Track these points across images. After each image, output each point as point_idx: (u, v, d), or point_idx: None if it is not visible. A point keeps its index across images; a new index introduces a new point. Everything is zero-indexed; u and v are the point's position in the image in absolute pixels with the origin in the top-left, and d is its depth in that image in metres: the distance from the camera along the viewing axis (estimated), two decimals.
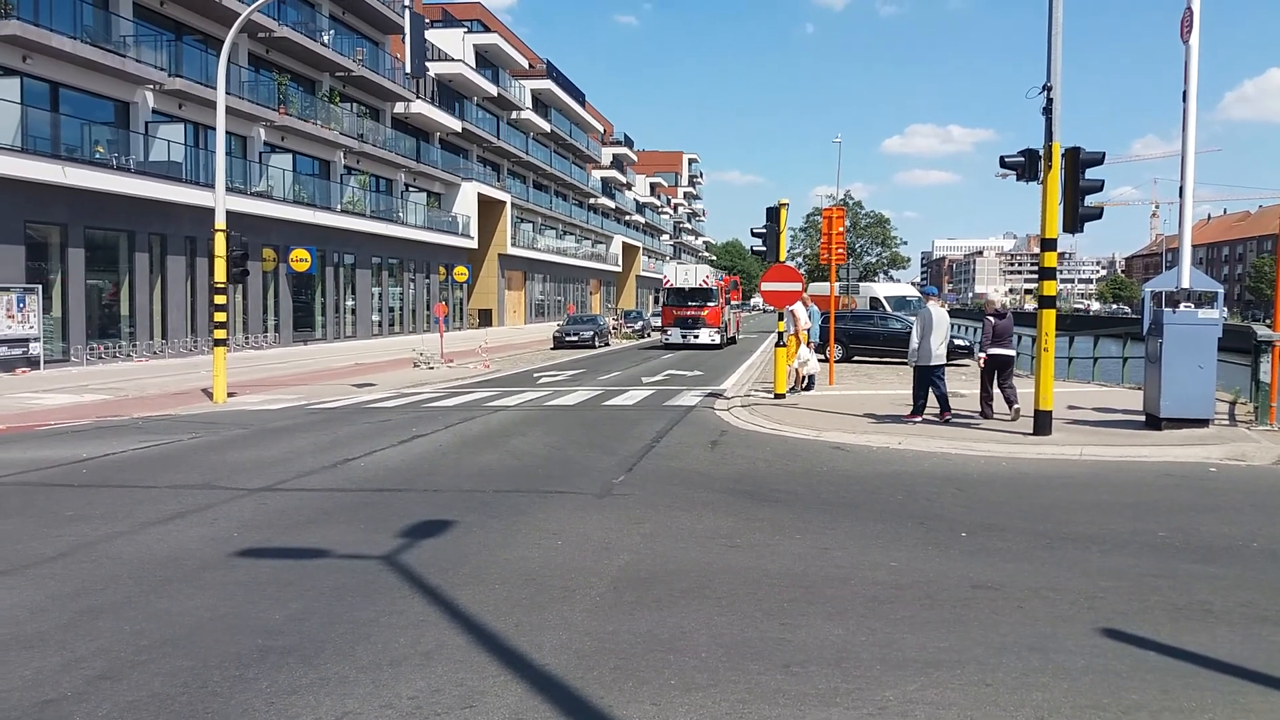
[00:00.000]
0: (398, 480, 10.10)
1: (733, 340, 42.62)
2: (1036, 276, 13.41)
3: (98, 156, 27.09)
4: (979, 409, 14.61)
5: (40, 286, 24.37)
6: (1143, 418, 13.56)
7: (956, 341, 28.81)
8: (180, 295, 30.54)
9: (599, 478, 10.16)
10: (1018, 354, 27.54)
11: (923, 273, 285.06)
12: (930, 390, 14.27)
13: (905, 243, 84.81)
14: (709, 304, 37.87)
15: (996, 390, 14.46)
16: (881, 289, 42.66)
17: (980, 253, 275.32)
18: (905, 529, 7.89)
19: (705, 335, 37.41)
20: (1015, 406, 14.01)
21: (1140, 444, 12.05)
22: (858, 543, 7.41)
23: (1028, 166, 13.16)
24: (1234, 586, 6.27)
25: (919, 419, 14.16)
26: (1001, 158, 13.39)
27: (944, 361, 14.31)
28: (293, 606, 5.86)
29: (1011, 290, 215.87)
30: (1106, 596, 6.07)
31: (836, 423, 14.16)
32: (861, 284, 45.54)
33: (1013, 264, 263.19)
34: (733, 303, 44.70)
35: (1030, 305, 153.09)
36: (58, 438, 13.69)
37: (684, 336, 37.45)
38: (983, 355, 14.50)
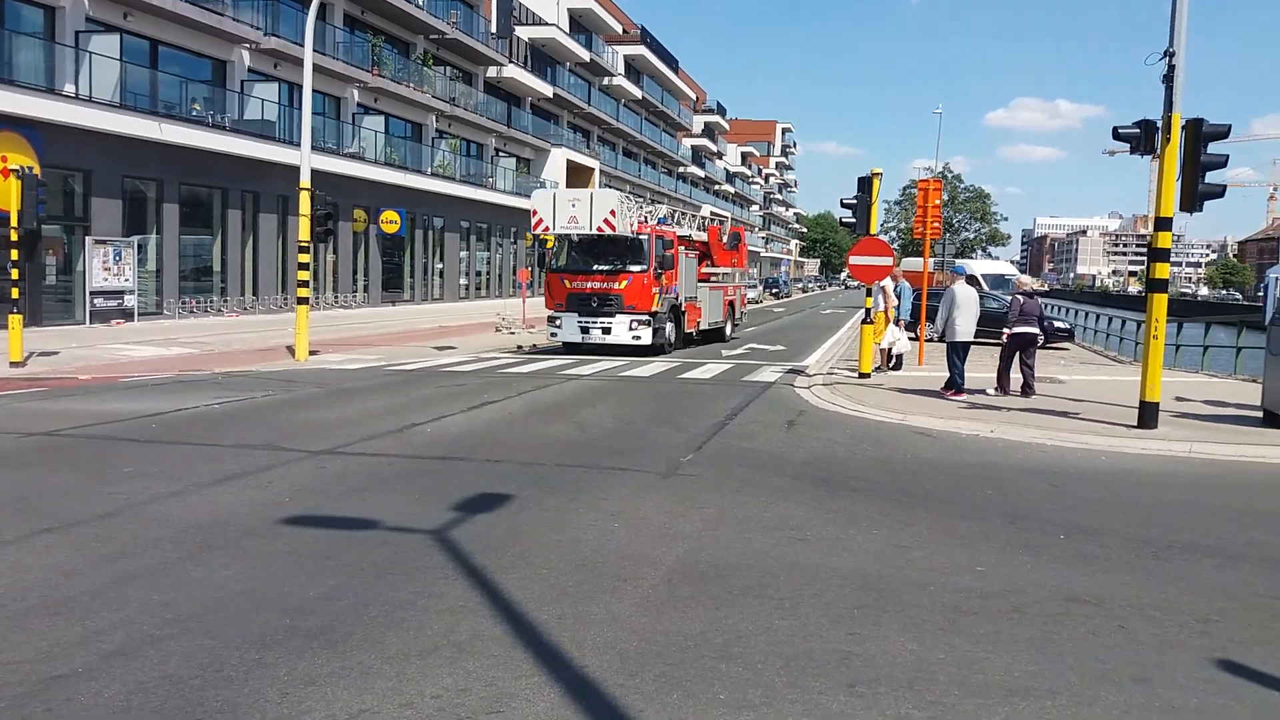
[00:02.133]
0: (460, 448, 9.81)
1: (718, 333, 26.03)
2: (1145, 258, 12.43)
3: (194, 114, 27.52)
4: (995, 385, 14.78)
5: (135, 240, 24.90)
6: (1260, 414, 12.52)
7: (1057, 324, 27.56)
8: (271, 252, 31.00)
9: (666, 455, 9.71)
10: (1121, 339, 26.43)
11: (1023, 250, 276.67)
12: (952, 365, 14.50)
13: (1005, 219, 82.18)
14: (632, 268, 20.87)
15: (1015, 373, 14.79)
16: (979, 266, 41.11)
17: (1084, 232, 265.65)
18: (994, 528, 7.25)
19: (626, 329, 20.79)
20: (1030, 387, 14.49)
21: (1258, 443, 11.08)
22: (940, 542, 6.81)
23: (1143, 138, 12.17)
24: None
25: (959, 395, 14.26)
26: (1115, 128, 12.44)
27: (969, 339, 14.70)
28: (329, 583, 5.56)
29: (1115, 272, 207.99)
30: (1221, 620, 5.39)
31: (923, 406, 13.44)
32: (958, 260, 43.97)
33: (1117, 244, 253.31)
34: (719, 269, 26.68)
35: (1134, 288, 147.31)
36: (137, 391, 13.81)
37: (585, 333, 21.04)
38: (1006, 332, 14.75)
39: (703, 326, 24.67)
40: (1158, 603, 5.62)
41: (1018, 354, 14.70)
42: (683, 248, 22.91)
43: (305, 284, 19.08)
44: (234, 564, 5.91)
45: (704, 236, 25.85)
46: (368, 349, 21.00)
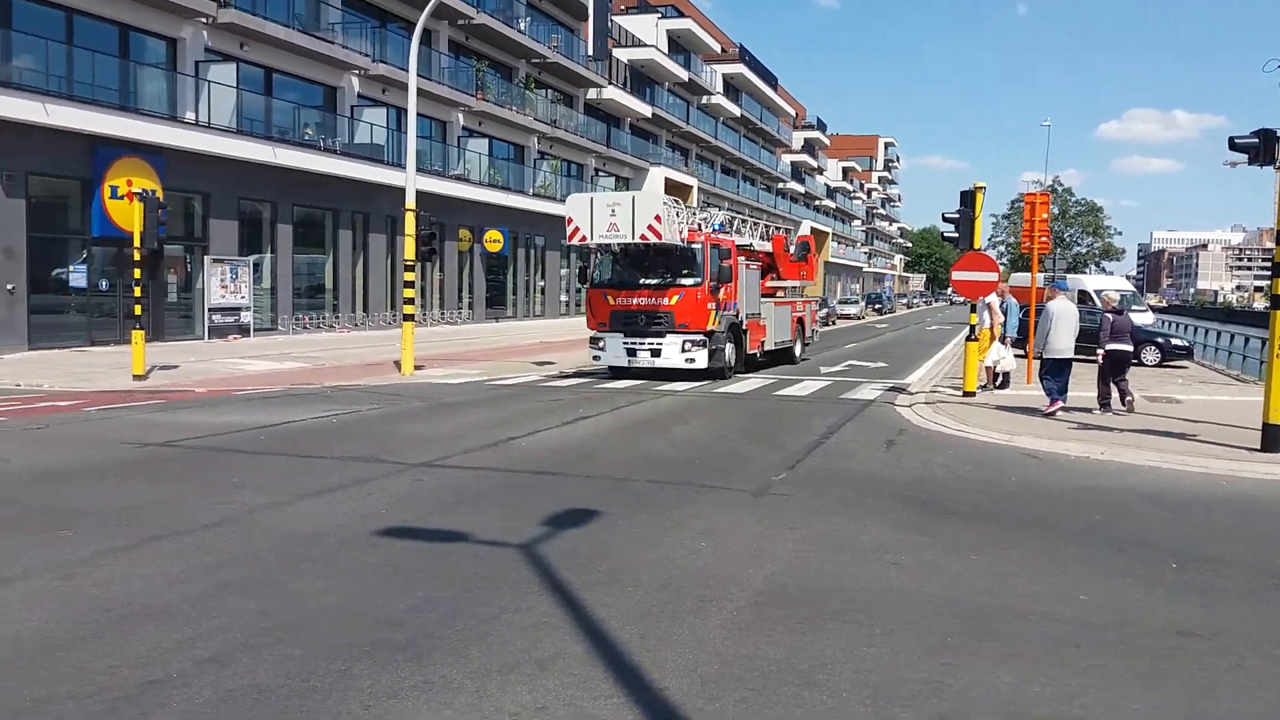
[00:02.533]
0: (554, 463, 9.87)
1: (785, 354, 23.37)
2: (1269, 273, 11.75)
3: (306, 138, 28.60)
4: (1096, 405, 14.51)
5: (252, 259, 25.96)
6: None
7: (1175, 341, 26.36)
8: (381, 271, 31.93)
9: (758, 474, 9.58)
10: (1245, 356, 25.08)
11: (1139, 265, 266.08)
12: (1060, 379, 14.34)
13: (1119, 233, 79.17)
14: (684, 281, 18.58)
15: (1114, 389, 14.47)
16: (1091, 281, 39.66)
17: (1205, 245, 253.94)
18: (1102, 555, 6.92)
19: (678, 351, 18.48)
20: (1130, 400, 14.36)
21: None
22: (1043, 569, 6.53)
23: (1262, 148, 11.58)
24: None
25: (1053, 406, 14.13)
26: (1231, 139, 11.89)
27: (1068, 356, 14.41)
28: (419, 595, 5.63)
29: (1239, 287, 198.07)
30: None
31: (1029, 426, 12.97)
32: (1069, 275, 42.53)
33: (1240, 258, 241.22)
34: (786, 282, 24.05)
35: (1260, 304, 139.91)
36: (250, 403, 14.34)
37: (631, 355, 18.90)
38: (1101, 351, 14.47)
39: (768, 347, 21.97)
40: (1279, 639, 5.26)
41: (1111, 372, 14.51)
42: (743, 259, 20.61)
43: (410, 301, 19.57)
44: (329, 575, 6.05)
45: (767, 246, 23.33)
46: (470, 364, 21.40)
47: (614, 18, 52.34)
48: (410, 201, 19.21)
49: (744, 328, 20.39)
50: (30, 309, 20.65)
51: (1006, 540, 7.26)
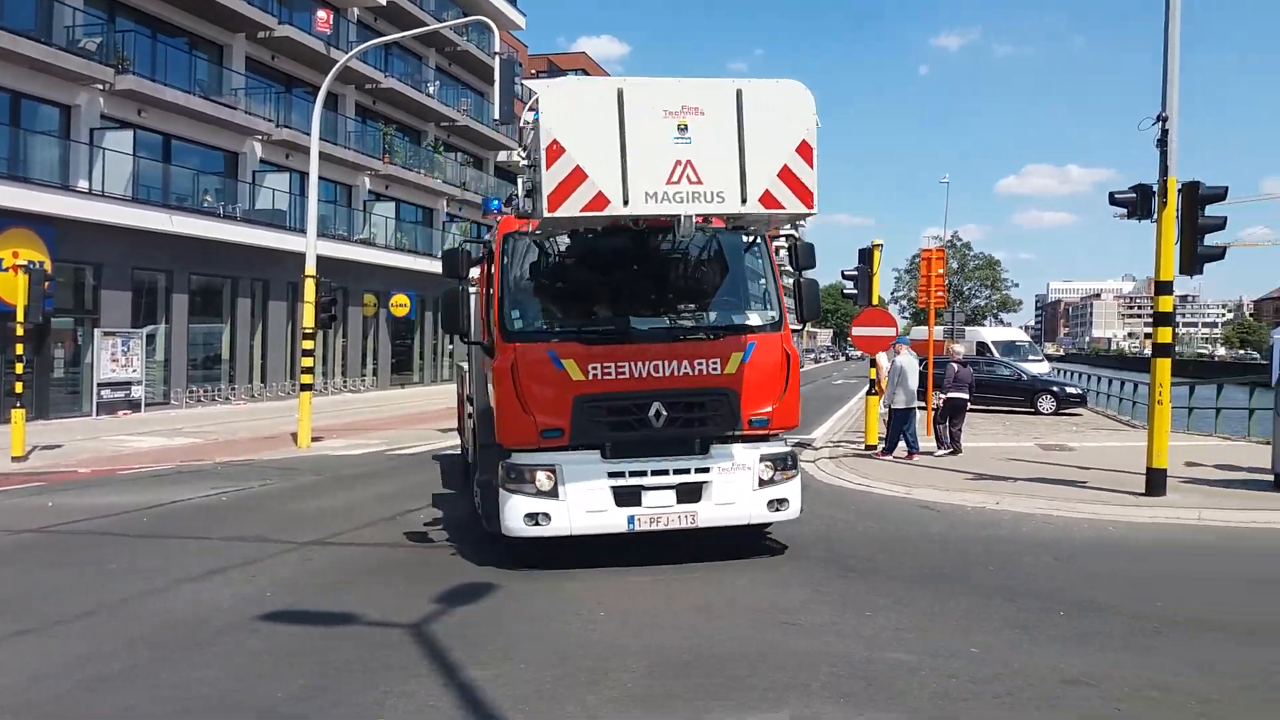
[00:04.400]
0: (453, 535, 9.66)
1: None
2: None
3: (205, 205, 28.00)
4: (935, 447, 16.03)
5: (145, 331, 25.14)
6: (1271, 477, 12.25)
7: (1069, 390, 27.30)
8: (280, 339, 31.21)
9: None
10: (1135, 403, 26.11)
11: (1037, 315, 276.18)
12: (902, 432, 15.38)
13: (1016, 285, 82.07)
14: (750, 317, 8.46)
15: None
16: (989, 333, 40.96)
17: (1098, 295, 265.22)
18: (993, 606, 7.03)
19: (743, 484, 8.10)
20: (957, 445, 15.80)
21: (1268, 508, 10.79)
22: (936, 623, 6.60)
23: (1140, 203, 12.11)
24: None
25: (888, 456, 15.37)
26: (1111, 194, 12.38)
27: (912, 406, 15.45)
28: (298, 683, 5.41)
29: (1131, 334, 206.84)
30: (1221, 699, 5.16)
31: (929, 478, 13.22)
32: (968, 328, 43.83)
33: (1131, 307, 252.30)
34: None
35: (1150, 350, 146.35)
36: (135, 482, 13.76)
37: (633, 503, 7.89)
38: (943, 397, 16.01)
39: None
40: (1157, 682, 5.40)
41: (949, 416, 16.00)
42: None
43: (309, 370, 19.14)
44: (205, 665, 5.77)
45: None
46: (372, 434, 20.97)
47: (524, 81, 52.76)
48: (310, 267, 18.88)
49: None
50: None
51: (904, 596, 7.33)
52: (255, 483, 13.53)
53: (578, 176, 6.94)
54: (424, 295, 38.65)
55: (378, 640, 6.21)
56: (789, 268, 8.79)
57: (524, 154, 7.79)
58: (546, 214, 6.93)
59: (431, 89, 40.74)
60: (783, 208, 7.30)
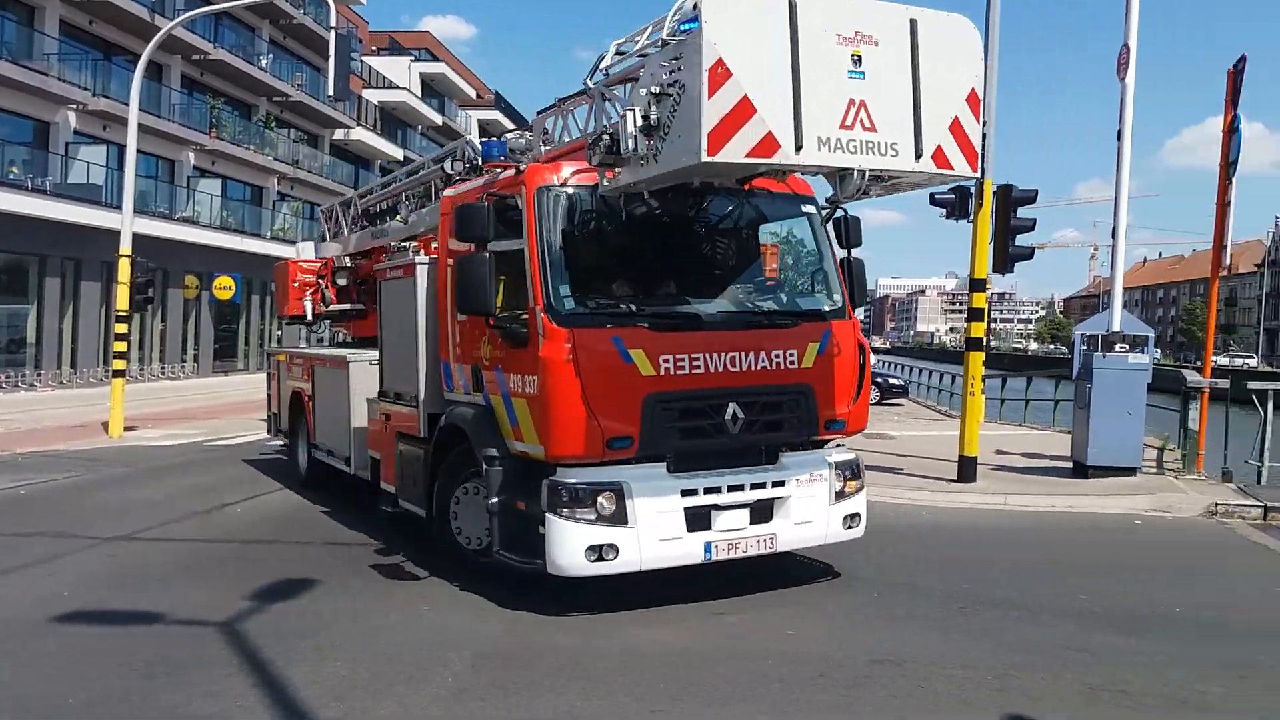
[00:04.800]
0: (270, 531, 9.25)
1: None
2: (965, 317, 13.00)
3: (11, 177, 25.89)
4: None
5: None
6: (1070, 464, 13.19)
7: (892, 381, 28.63)
8: (93, 322, 29.22)
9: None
10: (953, 394, 27.63)
11: (867, 310, 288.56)
12: None
13: None
14: (819, 301, 7.42)
15: None
16: None
17: (923, 291, 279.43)
18: (812, 593, 7.29)
19: (820, 499, 7.12)
20: None
21: (1066, 493, 11.63)
22: (755, 609, 6.79)
23: (958, 204, 12.71)
24: (1153, 663, 5.74)
25: None
26: (931, 194, 12.87)
27: None
28: (95, 687, 5.07)
29: (952, 329, 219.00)
30: (1018, 674, 5.51)
31: None
32: None
33: (954, 303, 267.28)
34: None
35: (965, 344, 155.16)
36: None
37: (703, 525, 6.60)
38: None
39: None
40: (960, 660, 5.71)
41: None
42: None
43: (122, 355, 17.99)
44: None
45: None
46: (191, 423, 19.92)
47: (365, 59, 51.25)
48: (125, 246, 17.72)
49: None
50: None
51: (727, 589, 7.43)
52: (60, 475, 12.60)
53: (744, 110, 5.40)
54: (250, 277, 36.94)
55: (185, 640, 5.90)
56: (836, 245, 7.53)
57: (653, 75, 5.79)
58: (706, 157, 5.34)
59: (264, 62, 38.88)
60: (952, 169, 6.13)
